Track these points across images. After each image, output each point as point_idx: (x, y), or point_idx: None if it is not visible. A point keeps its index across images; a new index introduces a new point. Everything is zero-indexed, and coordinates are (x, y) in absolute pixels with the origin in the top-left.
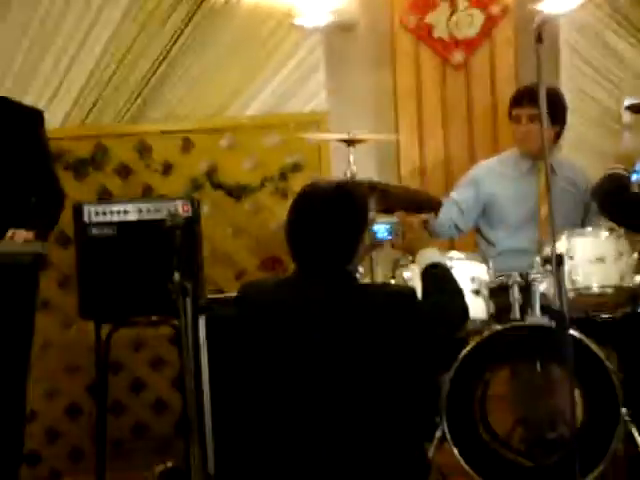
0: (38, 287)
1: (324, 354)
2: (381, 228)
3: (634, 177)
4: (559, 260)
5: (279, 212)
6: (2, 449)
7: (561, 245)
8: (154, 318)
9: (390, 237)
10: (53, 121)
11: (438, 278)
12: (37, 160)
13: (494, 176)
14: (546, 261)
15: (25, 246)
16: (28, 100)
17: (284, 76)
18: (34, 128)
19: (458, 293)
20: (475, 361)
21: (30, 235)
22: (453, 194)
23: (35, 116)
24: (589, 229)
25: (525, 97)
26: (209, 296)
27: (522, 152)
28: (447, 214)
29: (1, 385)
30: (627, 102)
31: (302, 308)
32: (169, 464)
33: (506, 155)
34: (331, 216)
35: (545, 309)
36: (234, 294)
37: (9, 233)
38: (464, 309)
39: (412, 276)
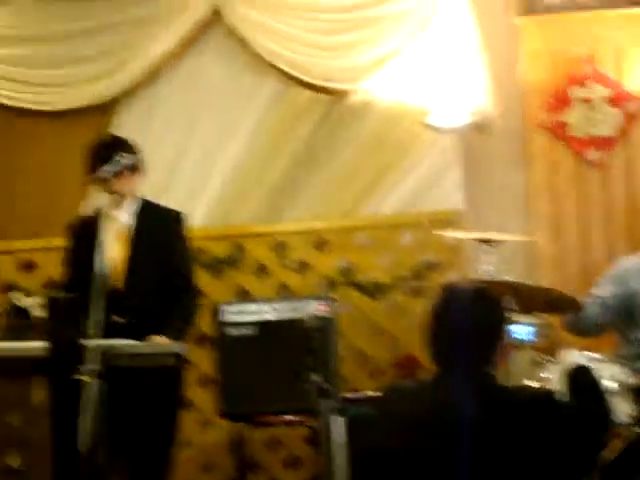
0: (181, 387)
1: (471, 466)
2: (523, 329)
3: None
4: None
5: (413, 311)
6: None
7: None
8: (290, 418)
9: (534, 338)
10: (192, 222)
11: (584, 382)
12: (182, 259)
13: (638, 274)
14: None
15: (167, 347)
16: (168, 200)
17: (419, 174)
18: (176, 229)
19: (603, 399)
20: (622, 467)
21: (166, 341)
22: (595, 291)
23: (177, 217)
24: None
25: None
26: (344, 395)
27: None
28: (590, 312)
29: None
30: None
31: (446, 417)
32: None
33: None
34: (472, 319)
35: None
36: (370, 393)
37: (152, 340)
38: (607, 415)
39: (552, 377)
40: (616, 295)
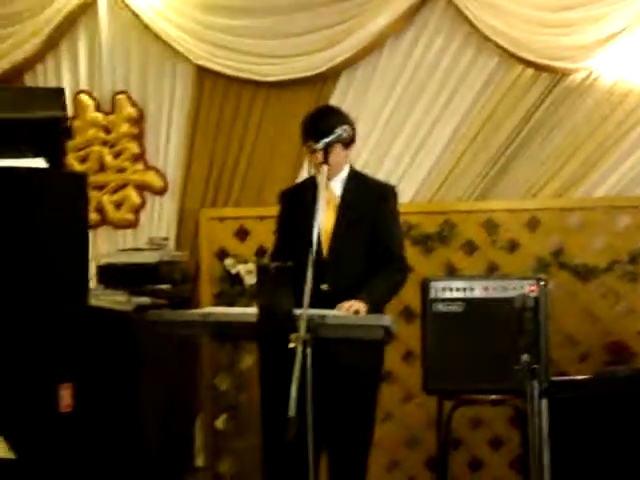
0: (383, 361)
1: None
2: None
3: None
4: None
5: (628, 296)
6: None
7: None
8: (495, 397)
9: None
10: (403, 197)
11: None
12: (387, 230)
13: None
14: None
15: (377, 320)
16: (380, 174)
17: (638, 157)
18: (385, 201)
19: None
20: None
21: (363, 306)
22: None
23: (387, 190)
24: None
25: None
26: (552, 378)
27: None
28: None
29: (345, 456)
30: None
31: None
32: None
33: None
34: None
35: None
36: (578, 377)
37: (346, 304)
38: None
39: None
40: None
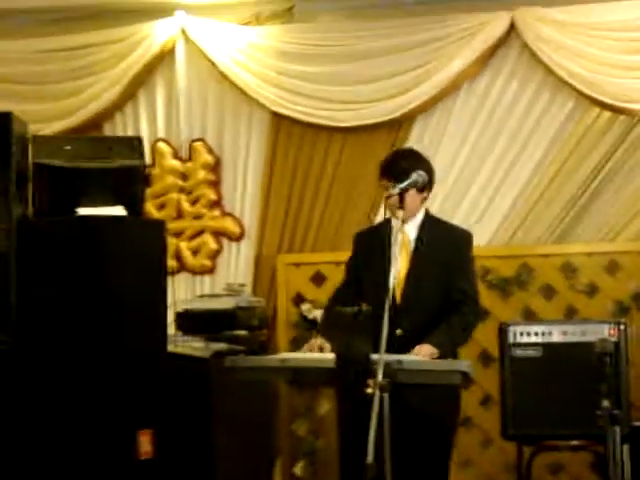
0: (460, 407)
1: None
2: None
3: None
4: None
5: None
6: None
7: None
8: (575, 443)
9: None
10: (479, 241)
11: None
12: (463, 274)
13: None
14: None
15: (454, 365)
16: (458, 216)
17: None
18: (459, 246)
19: None
20: None
21: (431, 351)
22: None
23: (462, 235)
24: None
25: None
26: (634, 423)
27: None
28: None
29: None
30: None
31: None
32: None
33: None
34: None
35: None
36: None
37: (415, 349)
38: None
39: None
40: None
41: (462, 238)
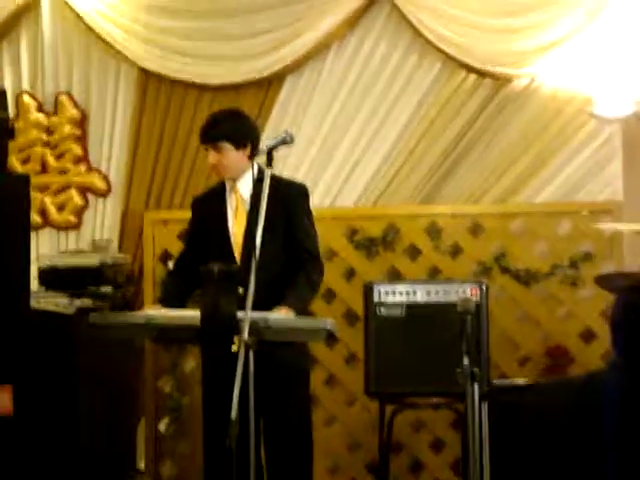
0: (310, 356)
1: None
2: None
3: None
4: None
5: (568, 301)
6: None
7: None
8: (436, 400)
9: None
10: (347, 201)
11: None
12: (299, 235)
13: None
14: None
15: (316, 322)
16: (325, 178)
17: (579, 164)
18: (297, 202)
19: None
20: None
21: (289, 312)
22: None
23: (299, 191)
24: None
25: None
26: (492, 382)
27: None
28: None
29: (287, 457)
30: None
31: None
32: None
33: None
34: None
35: None
36: (519, 381)
37: (277, 311)
38: None
39: None
40: None
41: (298, 193)
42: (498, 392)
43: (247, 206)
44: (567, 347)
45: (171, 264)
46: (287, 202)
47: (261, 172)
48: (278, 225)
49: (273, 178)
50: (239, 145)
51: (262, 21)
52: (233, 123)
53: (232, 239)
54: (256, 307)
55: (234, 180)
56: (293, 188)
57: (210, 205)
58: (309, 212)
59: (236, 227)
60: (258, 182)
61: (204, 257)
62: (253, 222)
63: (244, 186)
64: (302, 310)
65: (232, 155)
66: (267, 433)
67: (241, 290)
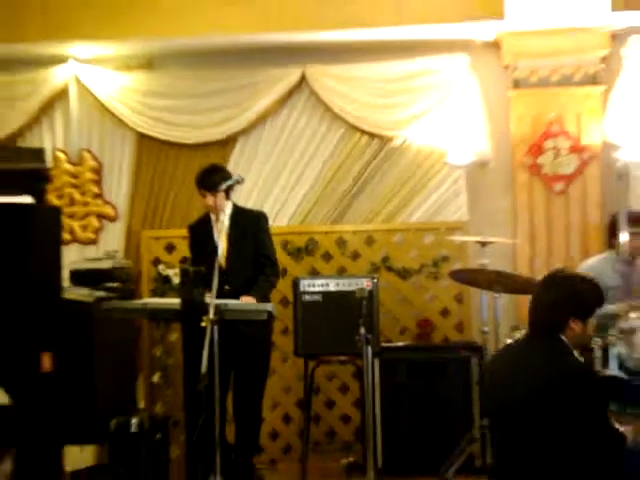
0: (271, 334)
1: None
2: None
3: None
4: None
5: (432, 289)
6: (247, 444)
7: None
8: (343, 358)
9: None
10: (281, 222)
11: None
12: (261, 246)
13: (602, 271)
14: (622, 331)
15: (261, 306)
16: (267, 206)
17: (437, 196)
18: (259, 224)
19: None
20: None
21: (254, 300)
22: None
23: (259, 216)
24: None
25: (636, 220)
26: (382, 344)
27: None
28: None
29: (249, 400)
30: None
31: (514, 365)
32: (351, 459)
33: (604, 257)
34: (544, 294)
35: (620, 365)
36: (399, 344)
37: (243, 299)
38: None
39: None
40: None
41: (260, 218)
42: (385, 351)
43: (228, 230)
44: (431, 320)
45: (161, 268)
46: (254, 224)
47: (235, 207)
48: (248, 242)
49: (244, 210)
50: (212, 190)
51: (222, 100)
52: (222, 175)
53: (220, 252)
54: (234, 297)
55: (217, 214)
56: (257, 214)
57: (202, 230)
58: (268, 230)
59: (222, 244)
60: (233, 214)
61: (202, 263)
62: (233, 242)
63: (225, 217)
64: (262, 299)
65: (221, 197)
66: (237, 381)
67: (227, 287)
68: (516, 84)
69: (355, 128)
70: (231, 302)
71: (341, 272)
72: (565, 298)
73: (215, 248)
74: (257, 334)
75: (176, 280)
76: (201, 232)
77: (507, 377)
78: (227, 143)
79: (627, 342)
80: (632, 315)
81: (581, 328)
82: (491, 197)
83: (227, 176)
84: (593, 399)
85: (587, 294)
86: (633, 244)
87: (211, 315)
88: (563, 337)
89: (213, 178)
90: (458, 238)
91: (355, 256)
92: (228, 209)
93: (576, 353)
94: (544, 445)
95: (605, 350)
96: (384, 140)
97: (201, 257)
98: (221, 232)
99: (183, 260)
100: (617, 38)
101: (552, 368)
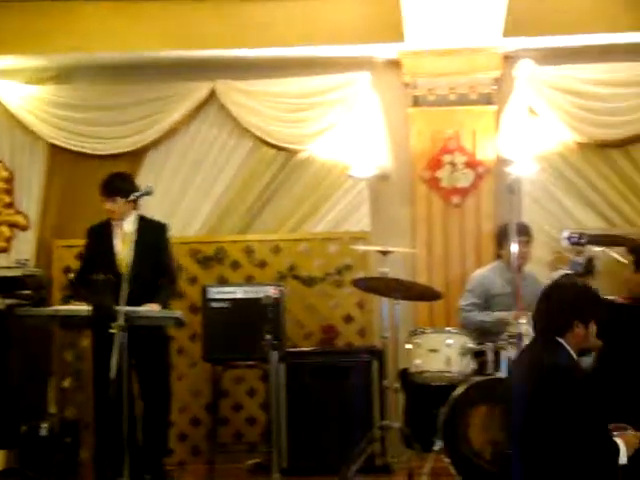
0: (169, 340)
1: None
2: None
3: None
4: (520, 336)
5: (336, 296)
6: (156, 446)
7: (522, 326)
8: (250, 363)
9: None
10: (190, 231)
11: None
12: (162, 256)
13: (492, 280)
14: (511, 336)
15: (170, 313)
16: (177, 216)
17: (341, 207)
18: (161, 235)
19: None
20: (463, 401)
21: (157, 307)
22: (468, 300)
23: (162, 227)
24: None
25: (522, 230)
26: (287, 349)
27: (510, 264)
28: (474, 315)
29: (154, 403)
30: (565, 234)
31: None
32: (257, 460)
33: (494, 265)
34: (546, 298)
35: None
36: (303, 348)
37: (147, 307)
38: None
39: None
40: (479, 296)
41: (162, 228)
42: (291, 356)
43: (130, 237)
44: (335, 326)
45: (71, 276)
46: (155, 235)
47: (139, 215)
48: (149, 250)
49: (145, 218)
50: (125, 197)
51: (132, 113)
52: (122, 183)
53: (118, 258)
54: (135, 303)
55: (121, 219)
56: (159, 225)
57: (101, 234)
58: (169, 240)
59: (122, 251)
60: (137, 222)
61: (95, 270)
62: (134, 248)
63: (127, 223)
64: (164, 306)
65: (122, 204)
66: (142, 385)
67: (122, 292)
68: (415, 102)
69: (263, 142)
70: (140, 309)
71: (249, 280)
72: (568, 302)
73: (112, 254)
74: (152, 331)
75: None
76: (99, 236)
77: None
78: (138, 155)
79: (516, 346)
80: (521, 321)
81: (584, 331)
82: (392, 208)
83: (129, 184)
84: (572, 395)
85: (588, 299)
86: (520, 254)
87: (120, 322)
88: (562, 340)
89: (112, 185)
90: (361, 247)
91: (262, 265)
92: (132, 218)
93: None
94: (538, 442)
95: (497, 354)
96: (290, 153)
97: (93, 262)
98: (122, 239)
99: (67, 270)
100: (509, 60)
101: (539, 365)
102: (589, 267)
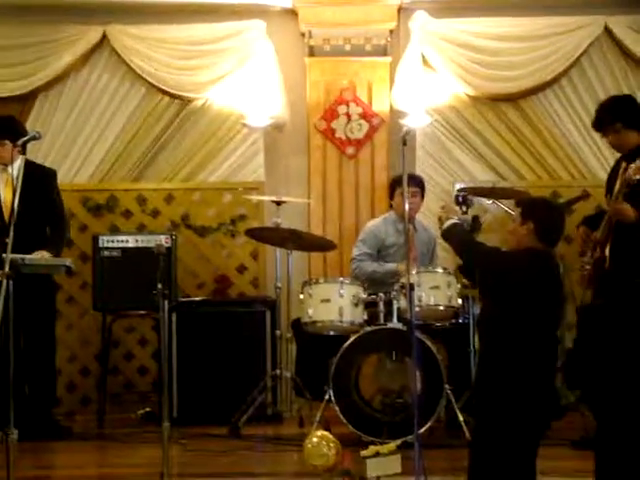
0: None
1: None
2: None
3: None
4: (411, 287)
5: (229, 246)
6: (43, 396)
7: (412, 277)
8: (142, 312)
9: None
10: (82, 178)
11: None
12: (51, 203)
13: (384, 230)
14: (402, 287)
15: (59, 260)
16: (67, 163)
17: (236, 157)
18: (49, 181)
19: None
20: (354, 350)
21: (48, 255)
22: (361, 250)
23: (50, 173)
24: (430, 267)
25: (413, 181)
26: (179, 299)
27: (401, 215)
28: (368, 265)
29: (38, 353)
30: (457, 187)
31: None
32: (147, 409)
33: (386, 217)
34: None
35: (400, 318)
36: (196, 298)
37: (37, 254)
38: None
39: None
40: (371, 247)
41: (50, 174)
42: (182, 305)
43: (14, 182)
44: (228, 276)
45: None
46: (43, 180)
47: (26, 160)
48: (36, 197)
49: (33, 164)
50: (14, 141)
51: (22, 55)
52: (10, 126)
53: (2, 205)
54: (24, 251)
55: (7, 164)
56: (47, 171)
57: None
58: (57, 187)
59: (6, 197)
60: (24, 167)
61: None
62: (15, 194)
63: (13, 168)
64: (57, 254)
65: (9, 148)
66: (26, 334)
67: (8, 240)
68: (311, 51)
69: (156, 88)
70: (28, 257)
71: (141, 229)
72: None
73: None
74: (39, 278)
75: None
76: None
77: None
78: (27, 98)
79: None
80: (412, 271)
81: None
82: (287, 159)
83: (17, 127)
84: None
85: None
86: (410, 204)
87: (7, 269)
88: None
89: (3, 127)
90: (255, 197)
91: (155, 213)
92: (18, 163)
93: None
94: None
95: (388, 304)
96: (184, 101)
97: None
98: (7, 184)
99: None
100: (404, 12)
101: None
102: (474, 226)
